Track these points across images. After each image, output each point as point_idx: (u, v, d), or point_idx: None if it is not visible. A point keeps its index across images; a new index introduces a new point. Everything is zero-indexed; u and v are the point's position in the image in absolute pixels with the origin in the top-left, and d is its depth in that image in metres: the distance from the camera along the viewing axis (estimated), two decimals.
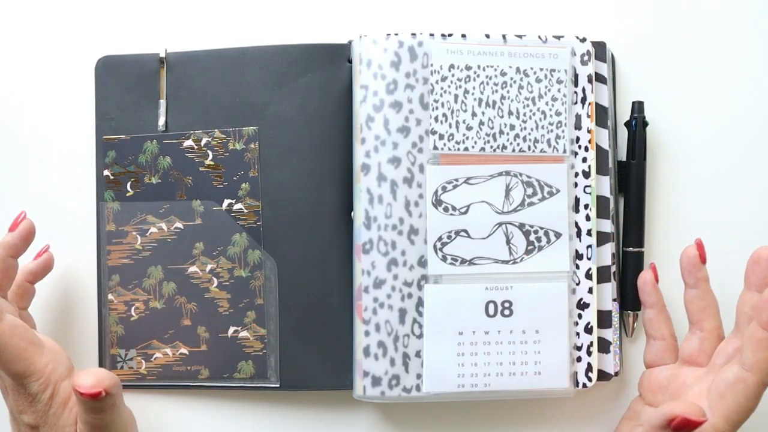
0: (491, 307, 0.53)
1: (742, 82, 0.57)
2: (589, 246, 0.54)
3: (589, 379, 0.53)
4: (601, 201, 0.55)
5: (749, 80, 0.57)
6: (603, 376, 0.54)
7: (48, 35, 0.58)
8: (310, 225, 0.55)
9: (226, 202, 0.55)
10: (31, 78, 0.58)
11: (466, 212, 0.53)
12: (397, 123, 0.53)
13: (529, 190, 0.53)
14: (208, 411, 0.57)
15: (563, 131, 0.54)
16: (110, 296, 0.55)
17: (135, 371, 0.55)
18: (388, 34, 0.53)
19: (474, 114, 0.53)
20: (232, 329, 0.55)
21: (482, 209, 0.53)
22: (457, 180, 0.53)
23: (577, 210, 0.54)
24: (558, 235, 0.53)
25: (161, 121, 0.56)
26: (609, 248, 0.55)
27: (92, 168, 0.56)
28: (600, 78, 0.55)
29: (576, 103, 0.54)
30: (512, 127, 0.53)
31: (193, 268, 0.55)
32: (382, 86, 0.53)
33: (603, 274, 0.55)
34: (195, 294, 0.55)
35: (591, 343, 0.53)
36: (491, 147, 0.53)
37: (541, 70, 0.53)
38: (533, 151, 0.53)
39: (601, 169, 0.55)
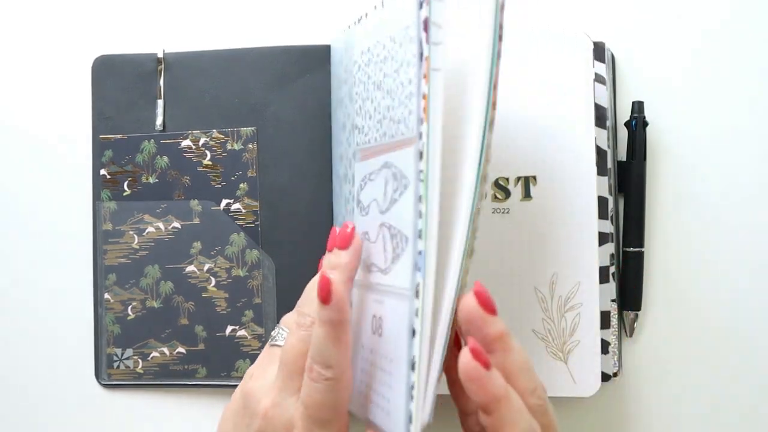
0: (374, 323, 0.42)
1: (742, 81, 0.57)
2: (420, 252, 0.37)
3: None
4: (600, 201, 0.54)
5: (749, 80, 0.57)
6: (602, 377, 0.54)
7: (45, 34, 0.58)
8: (308, 225, 0.55)
9: (224, 201, 0.56)
10: (28, 77, 0.58)
11: (367, 213, 0.44)
12: (340, 120, 0.52)
13: (395, 184, 0.41)
14: (206, 410, 0.57)
15: (413, 103, 0.39)
16: (107, 295, 0.56)
17: (131, 370, 0.55)
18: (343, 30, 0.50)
19: (372, 99, 0.44)
20: (229, 328, 0.55)
21: (374, 209, 0.43)
22: (365, 177, 0.44)
23: None
24: (407, 240, 0.39)
25: (159, 120, 0.56)
26: (608, 248, 0.54)
27: (89, 167, 0.57)
28: (599, 78, 0.54)
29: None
30: (389, 109, 0.41)
31: (190, 268, 0.56)
32: (334, 85, 0.52)
33: (602, 275, 0.54)
34: (192, 293, 0.55)
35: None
36: (381, 135, 0.43)
37: (407, 29, 0.40)
38: (398, 135, 0.41)
39: (601, 170, 0.54)
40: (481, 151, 0.38)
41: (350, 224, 0.42)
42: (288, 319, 0.46)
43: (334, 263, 0.41)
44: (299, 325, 0.42)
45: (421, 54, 0.37)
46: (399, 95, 0.40)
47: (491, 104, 0.38)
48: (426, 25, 0.37)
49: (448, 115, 0.38)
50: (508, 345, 0.39)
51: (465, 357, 0.36)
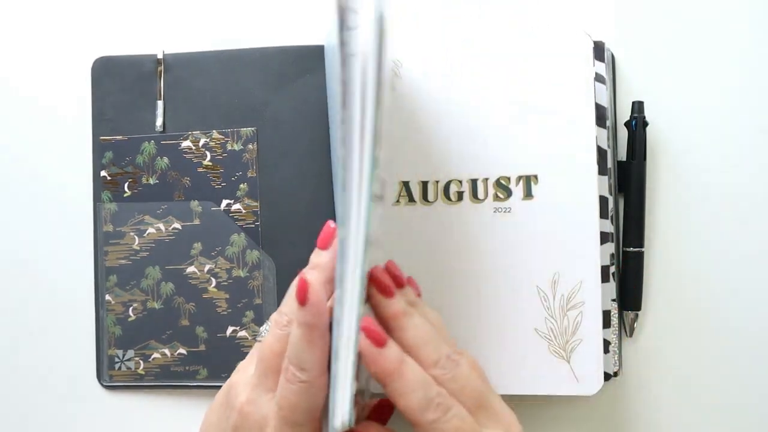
0: (333, 319, 0.42)
1: (742, 81, 0.57)
2: (342, 239, 0.38)
3: None
4: (601, 201, 0.54)
5: (749, 80, 0.57)
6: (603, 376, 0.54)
7: (45, 35, 0.58)
8: (309, 225, 0.55)
9: (225, 202, 0.55)
10: (28, 78, 0.58)
11: None
12: (331, 117, 0.52)
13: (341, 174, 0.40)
14: None
15: (340, 92, 0.39)
16: (108, 297, 0.56)
17: (133, 372, 0.55)
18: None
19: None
20: (230, 329, 0.55)
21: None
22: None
23: None
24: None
25: (159, 121, 0.56)
26: (608, 248, 0.55)
27: (89, 169, 0.56)
28: (599, 78, 0.55)
29: None
30: (335, 101, 0.42)
31: (191, 269, 0.55)
32: (327, 83, 0.52)
33: (602, 274, 0.54)
34: (193, 294, 0.55)
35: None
36: (336, 128, 0.43)
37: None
38: (335, 126, 0.41)
39: (601, 169, 0.54)
40: (375, 132, 0.37)
41: (332, 223, 0.42)
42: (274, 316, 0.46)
43: (314, 263, 0.41)
44: (276, 323, 0.42)
45: (341, 40, 0.37)
46: (335, 86, 0.40)
47: (381, 84, 0.37)
48: (341, 10, 0.37)
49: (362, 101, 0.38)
50: (403, 324, 0.41)
51: (360, 336, 0.39)
